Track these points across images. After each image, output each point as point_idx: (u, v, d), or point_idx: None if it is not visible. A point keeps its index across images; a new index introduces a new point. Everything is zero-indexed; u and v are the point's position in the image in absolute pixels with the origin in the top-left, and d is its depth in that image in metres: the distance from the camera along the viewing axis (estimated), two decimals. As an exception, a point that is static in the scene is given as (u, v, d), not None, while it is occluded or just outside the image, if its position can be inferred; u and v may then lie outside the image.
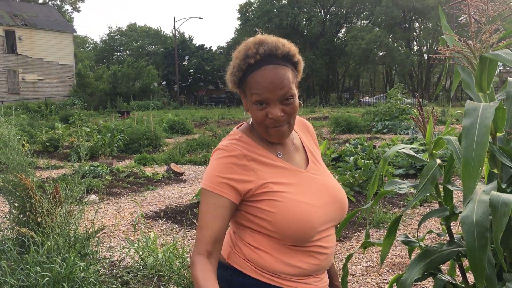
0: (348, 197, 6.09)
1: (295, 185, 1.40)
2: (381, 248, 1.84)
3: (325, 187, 1.47)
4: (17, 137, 4.07)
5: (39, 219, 3.55)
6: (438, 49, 1.65)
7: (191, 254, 1.40)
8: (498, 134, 1.59)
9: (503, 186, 1.54)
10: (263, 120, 1.38)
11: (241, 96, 1.46)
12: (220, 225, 1.35)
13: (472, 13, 1.61)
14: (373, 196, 2.07)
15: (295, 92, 1.39)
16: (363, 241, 2.09)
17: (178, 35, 55.21)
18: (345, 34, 50.71)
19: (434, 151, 1.73)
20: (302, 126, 1.63)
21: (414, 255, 1.99)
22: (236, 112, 32.08)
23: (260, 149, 1.42)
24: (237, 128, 1.51)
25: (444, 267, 2.39)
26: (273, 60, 1.36)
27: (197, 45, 57.25)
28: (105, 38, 61.97)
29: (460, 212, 1.44)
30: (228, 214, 1.37)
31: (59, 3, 55.74)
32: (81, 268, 3.19)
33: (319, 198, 1.42)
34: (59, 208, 3.58)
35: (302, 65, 1.45)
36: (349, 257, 2.07)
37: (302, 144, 1.56)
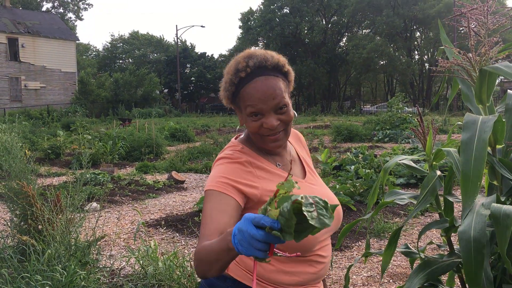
0: (349, 206, 6.09)
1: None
2: (382, 258, 1.84)
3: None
4: (19, 144, 4.08)
5: (40, 227, 3.56)
6: (438, 61, 1.66)
7: (194, 252, 1.40)
8: (497, 146, 1.60)
9: (502, 199, 1.55)
10: (258, 130, 1.39)
11: (236, 111, 1.48)
12: (225, 220, 1.27)
13: (472, 25, 1.63)
14: (373, 206, 2.08)
15: (288, 101, 1.41)
16: (364, 251, 2.09)
17: (180, 43, 55.43)
18: (346, 43, 50.87)
19: (434, 163, 1.74)
20: (296, 138, 1.67)
21: (415, 265, 1.99)
22: (237, 120, 31.94)
23: (261, 160, 1.44)
24: (235, 139, 1.53)
25: (443, 277, 2.38)
26: (263, 72, 1.38)
27: (199, 53, 57.47)
28: (108, 46, 62.25)
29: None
30: (234, 212, 1.31)
31: (62, 11, 56.11)
32: (82, 276, 3.19)
33: None
34: (60, 216, 3.59)
35: (292, 75, 1.47)
36: (350, 267, 2.08)
37: (298, 156, 1.59)
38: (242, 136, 1.53)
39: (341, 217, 1.54)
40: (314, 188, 1.49)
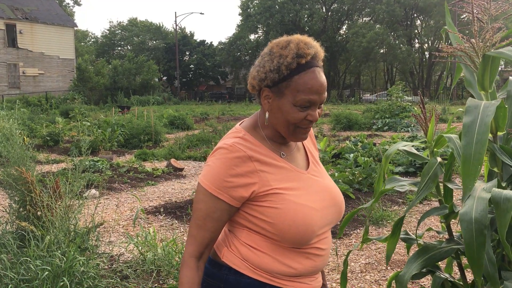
0: (347, 194, 6.10)
1: (297, 188, 1.39)
2: (380, 245, 1.85)
3: (325, 190, 1.46)
4: (18, 131, 4.07)
5: (39, 213, 3.56)
6: (441, 47, 1.65)
7: (184, 251, 1.40)
8: (499, 133, 1.59)
9: (503, 184, 1.54)
10: (300, 121, 1.35)
11: (264, 95, 1.38)
12: (218, 227, 1.37)
13: (475, 11, 1.61)
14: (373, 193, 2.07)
15: None
16: (362, 238, 2.10)
17: (179, 30, 55.17)
18: (346, 31, 50.64)
19: (435, 149, 1.73)
20: None
21: (413, 252, 2.00)
22: (237, 108, 32.06)
23: (263, 149, 1.40)
24: (239, 125, 1.48)
25: (441, 264, 2.40)
26: (317, 63, 1.36)
27: (198, 40, 57.20)
28: (106, 32, 61.89)
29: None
30: (228, 217, 1.38)
31: (60, -3, 55.64)
32: (81, 262, 3.20)
33: (320, 201, 1.41)
34: (59, 203, 3.59)
35: None
36: (349, 252, 2.08)
37: (303, 145, 1.56)
38: (246, 122, 1.48)
39: (343, 209, 1.51)
40: (317, 181, 1.46)
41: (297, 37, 1.37)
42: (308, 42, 1.36)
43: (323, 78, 1.35)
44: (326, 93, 1.36)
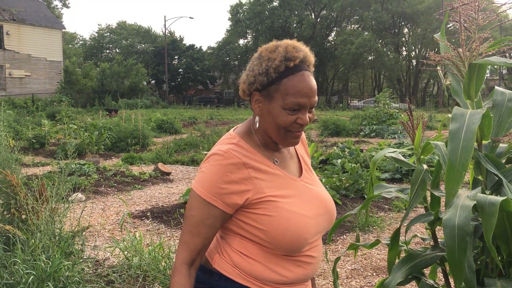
0: (334, 200, 6.12)
1: (291, 195, 1.39)
2: (366, 251, 1.86)
3: (318, 197, 1.46)
4: (4, 133, 4.02)
5: (23, 216, 3.51)
6: (428, 55, 1.67)
7: (176, 258, 1.39)
8: (484, 142, 1.61)
9: (487, 192, 1.57)
10: (290, 124, 1.35)
11: (254, 99, 1.39)
12: (211, 234, 1.37)
13: (462, 20, 1.63)
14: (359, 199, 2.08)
15: None
16: (349, 244, 2.11)
17: (168, 34, 55.02)
18: (335, 38, 50.99)
19: (422, 156, 1.75)
20: None
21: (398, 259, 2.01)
22: (225, 112, 32.04)
23: (257, 155, 1.39)
24: (233, 130, 1.47)
25: (426, 271, 2.41)
26: (307, 67, 1.36)
27: (187, 44, 57.13)
28: (94, 35, 61.53)
29: (444, 216, 1.46)
30: (221, 223, 1.37)
31: (48, -2, 55.21)
32: (66, 267, 3.17)
33: (312, 209, 1.41)
34: (44, 206, 3.55)
35: None
36: (337, 260, 2.09)
37: (296, 152, 1.56)
38: (239, 128, 1.48)
39: (335, 217, 1.52)
40: (310, 188, 1.46)
41: (286, 41, 1.38)
42: (297, 46, 1.36)
43: (312, 81, 1.35)
44: (316, 97, 1.36)
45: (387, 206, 6.25)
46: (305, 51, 1.37)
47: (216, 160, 1.34)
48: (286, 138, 1.37)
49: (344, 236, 5.08)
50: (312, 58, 1.39)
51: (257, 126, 1.40)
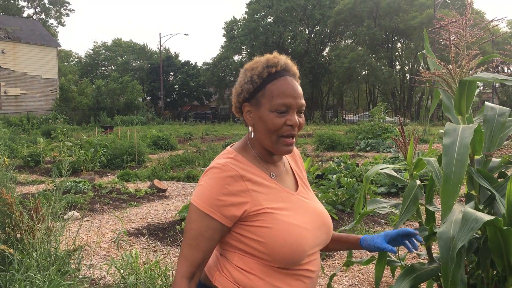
0: (330, 215, 6.12)
1: (288, 208, 1.41)
2: (363, 266, 1.86)
3: (314, 211, 1.49)
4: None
5: (18, 235, 3.49)
6: (420, 71, 1.70)
7: (176, 272, 1.39)
8: (476, 157, 1.63)
9: (480, 207, 1.58)
10: (280, 128, 1.39)
11: (245, 110, 1.45)
12: (210, 247, 1.38)
13: (452, 37, 1.66)
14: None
15: None
16: (345, 259, 2.11)
17: (163, 51, 55.29)
18: (329, 53, 51.35)
19: (414, 172, 1.76)
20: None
21: (396, 274, 2.01)
22: (221, 128, 32.08)
23: (254, 169, 1.42)
24: (230, 147, 1.51)
25: (422, 285, 2.41)
26: (291, 75, 1.45)
27: (182, 61, 57.41)
28: (90, 52, 61.75)
29: (440, 231, 1.47)
30: (220, 236, 1.39)
31: (43, 17, 55.49)
32: (63, 287, 3.14)
33: (309, 222, 1.43)
34: (39, 225, 3.53)
35: None
36: (333, 276, 2.08)
37: (291, 168, 1.58)
38: (236, 145, 1.52)
39: (332, 230, 1.55)
40: (306, 202, 1.49)
41: (267, 55, 1.47)
42: (277, 56, 1.46)
43: (296, 84, 1.43)
44: (303, 100, 1.43)
45: (383, 221, 6.24)
46: (286, 61, 1.46)
47: (214, 173, 1.38)
48: (279, 143, 1.42)
49: (341, 251, 5.06)
50: (295, 69, 1.47)
51: (252, 135, 1.45)
